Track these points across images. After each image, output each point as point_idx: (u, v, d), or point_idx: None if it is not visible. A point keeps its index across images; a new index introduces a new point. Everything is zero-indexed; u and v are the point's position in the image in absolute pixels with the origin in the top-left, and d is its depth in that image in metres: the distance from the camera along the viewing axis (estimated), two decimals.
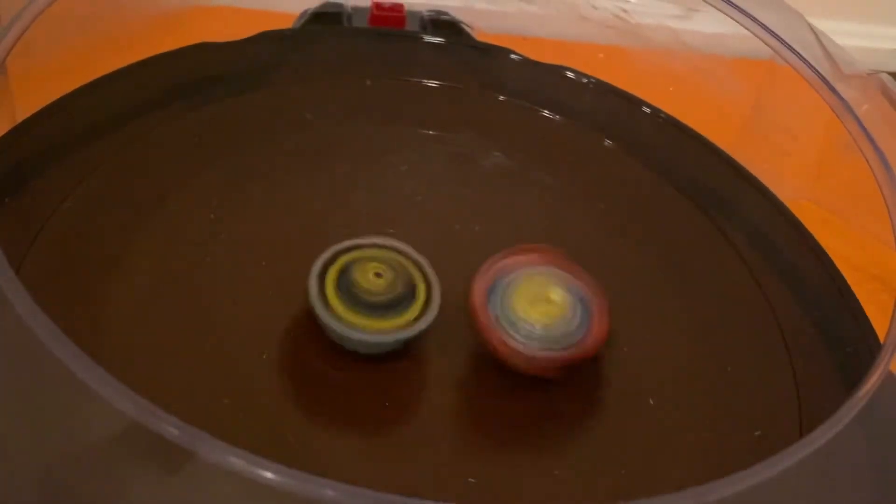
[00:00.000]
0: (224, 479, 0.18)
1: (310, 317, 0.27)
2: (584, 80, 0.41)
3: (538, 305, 0.27)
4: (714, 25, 0.38)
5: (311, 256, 0.31)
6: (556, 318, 0.27)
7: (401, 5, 0.43)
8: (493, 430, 0.27)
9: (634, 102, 0.40)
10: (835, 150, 0.39)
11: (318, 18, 0.42)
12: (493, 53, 0.42)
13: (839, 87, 0.33)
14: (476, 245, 0.33)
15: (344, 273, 0.27)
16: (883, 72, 0.33)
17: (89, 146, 0.33)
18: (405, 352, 0.27)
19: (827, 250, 0.34)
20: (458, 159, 0.37)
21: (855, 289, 0.32)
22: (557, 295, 0.27)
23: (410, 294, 0.27)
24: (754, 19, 0.35)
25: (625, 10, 0.44)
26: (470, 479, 0.25)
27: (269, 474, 0.17)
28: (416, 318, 0.27)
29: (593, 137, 0.39)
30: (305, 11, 0.43)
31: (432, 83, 0.40)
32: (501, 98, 0.40)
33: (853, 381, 0.25)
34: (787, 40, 0.34)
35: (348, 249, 0.28)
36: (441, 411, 0.27)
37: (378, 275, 0.27)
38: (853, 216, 0.40)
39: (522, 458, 0.26)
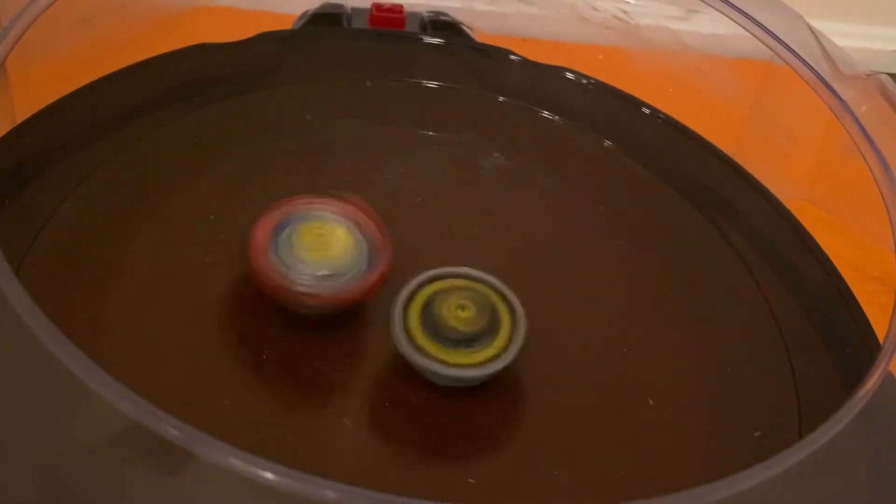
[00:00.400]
0: (224, 480, 0.18)
1: (310, 316, 0.27)
2: (584, 81, 0.41)
3: (319, 248, 0.27)
4: (713, 26, 0.38)
5: None
6: (333, 258, 0.27)
7: (401, 6, 0.43)
8: (493, 430, 0.27)
9: (634, 103, 0.40)
10: (834, 151, 0.39)
11: (317, 19, 0.42)
12: (492, 54, 0.42)
13: (838, 87, 0.33)
14: (475, 246, 0.33)
15: (428, 306, 0.27)
16: (882, 73, 0.33)
17: (89, 146, 0.33)
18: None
19: (826, 251, 0.34)
20: (458, 160, 0.37)
21: (854, 289, 0.32)
22: (338, 236, 0.28)
23: (495, 326, 0.27)
24: (754, 20, 0.35)
25: (624, 11, 0.44)
26: (470, 480, 0.25)
27: (268, 475, 0.17)
28: (504, 350, 0.26)
29: (593, 138, 0.39)
30: (305, 12, 0.43)
31: (432, 84, 0.40)
32: (501, 99, 0.40)
33: (853, 382, 0.25)
34: (786, 41, 0.34)
35: (431, 280, 0.28)
36: (441, 411, 0.27)
37: (462, 307, 0.26)
38: (853, 217, 0.40)
39: (522, 458, 0.26)
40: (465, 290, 0.27)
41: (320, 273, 0.27)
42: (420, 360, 0.26)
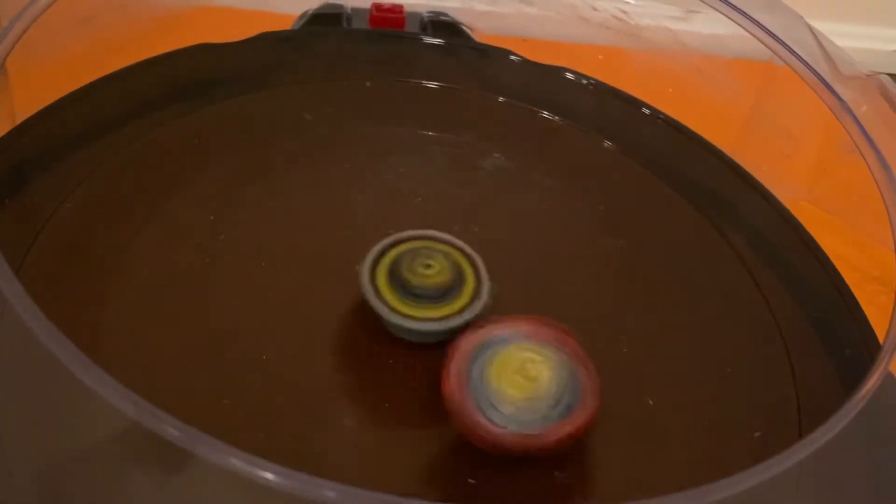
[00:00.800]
0: (224, 480, 0.18)
1: (310, 318, 0.27)
2: (584, 82, 0.41)
3: (517, 381, 0.24)
4: (713, 27, 0.38)
5: (310, 257, 0.31)
6: (534, 398, 0.24)
7: (400, 6, 0.43)
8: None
9: (634, 103, 0.40)
10: (834, 152, 0.39)
11: (317, 19, 0.42)
12: (492, 55, 0.42)
13: (838, 88, 0.33)
14: (475, 246, 0.32)
15: (395, 265, 0.28)
16: (882, 73, 0.33)
17: (89, 146, 0.33)
18: (407, 353, 0.27)
19: (826, 251, 0.34)
20: (458, 160, 0.37)
21: (854, 290, 0.32)
22: (540, 372, 0.24)
23: (459, 283, 0.28)
24: (753, 21, 0.35)
25: (624, 12, 0.44)
26: (470, 480, 0.25)
27: (268, 475, 0.17)
28: (465, 307, 0.27)
29: (593, 138, 0.39)
30: (305, 12, 0.43)
31: (432, 84, 0.40)
32: (501, 99, 0.40)
33: (852, 383, 0.25)
34: (786, 41, 0.34)
35: (397, 243, 0.29)
36: (441, 412, 0.27)
37: (428, 265, 0.27)
38: (852, 217, 0.40)
39: (522, 458, 0.26)
40: (429, 250, 0.28)
41: (522, 415, 0.24)
42: (389, 315, 0.27)
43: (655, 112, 0.40)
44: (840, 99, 0.32)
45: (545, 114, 0.40)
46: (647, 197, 0.36)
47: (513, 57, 0.42)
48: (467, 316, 0.27)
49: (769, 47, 0.35)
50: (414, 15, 0.43)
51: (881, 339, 0.25)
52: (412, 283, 0.27)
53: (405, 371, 0.27)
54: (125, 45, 0.40)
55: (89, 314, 0.27)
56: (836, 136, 0.33)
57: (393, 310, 0.27)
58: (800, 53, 0.34)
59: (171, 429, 0.18)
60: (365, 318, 0.28)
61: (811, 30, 0.35)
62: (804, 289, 0.33)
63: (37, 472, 0.22)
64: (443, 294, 0.27)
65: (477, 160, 0.37)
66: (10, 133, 0.32)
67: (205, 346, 0.27)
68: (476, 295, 0.28)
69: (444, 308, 0.27)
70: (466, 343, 0.25)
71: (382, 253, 0.28)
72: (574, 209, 0.35)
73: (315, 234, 0.32)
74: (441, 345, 0.26)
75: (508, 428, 0.24)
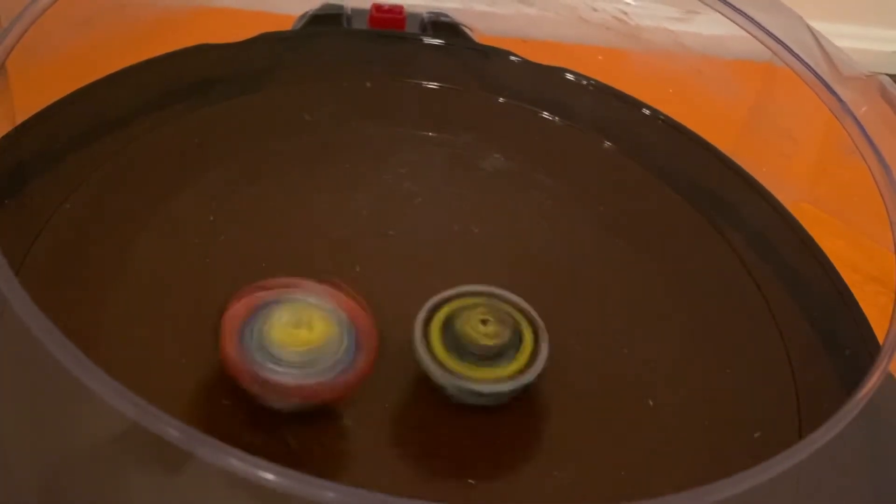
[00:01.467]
0: (224, 481, 0.18)
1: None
2: (584, 82, 0.41)
3: (298, 333, 0.24)
4: (713, 28, 0.38)
5: (311, 257, 0.31)
6: (315, 347, 0.24)
7: (400, 7, 0.43)
8: (493, 430, 0.27)
9: (634, 104, 0.40)
10: (834, 153, 0.39)
11: (317, 20, 0.42)
12: (492, 55, 0.42)
13: (838, 89, 0.33)
14: (475, 247, 0.33)
15: (449, 322, 0.26)
16: (882, 74, 0.33)
17: (89, 147, 0.33)
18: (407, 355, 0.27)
19: (826, 252, 0.34)
20: (458, 161, 0.37)
21: (854, 291, 0.32)
22: (319, 322, 0.25)
23: (517, 342, 0.27)
24: (753, 21, 0.35)
25: (624, 13, 0.44)
26: (470, 480, 0.25)
27: (269, 476, 0.17)
28: (526, 367, 0.26)
29: (593, 139, 0.39)
30: (305, 13, 0.43)
31: (432, 85, 0.40)
32: (501, 100, 0.40)
33: (852, 383, 0.25)
34: (786, 42, 0.34)
35: (450, 299, 0.27)
36: (441, 412, 0.27)
37: (484, 322, 0.26)
38: (852, 218, 0.40)
39: (522, 458, 0.26)
40: (485, 307, 0.27)
41: (298, 360, 0.24)
42: (447, 378, 0.26)
43: (655, 113, 0.40)
44: (840, 100, 0.32)
45: (545, 114, 0.40)
46: (647, 197, 0.36)
47: (513, 57, 0.42)
48: (527, 379, 0.26)
49: (769, 48, 0.35)
50: (414, 15, 0.43)
51: (881, 340, 0.25)
52: (468, 342, 0.26)
53: (405, 372, 0.27)
54: (125, 45, 0.40)
55: (89, 314, 0.27)
56: (836, 137, 0.33)
57: (448, 370, 0.26)
58: (800, 54, 0.34)
59: (171, 429, 0.18)
60: None
61: (811, 30, 0.35)
62: (804, 289, 0.33)
63: (37, 472, 0.22)
64: (498, 354, 0.26)
65: (477, 160, 0.37)
66: (10, 133, 0.32)
67: (205, 346, 0.27)
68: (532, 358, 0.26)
69: (502, 370, 0.26)
70: (239, 308, 0.25)
71: (436, 308, 0.27)
72: (574, 210, 0.35)
73: (315, 235, 0.32)
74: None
75: (289, 376, 0.24)
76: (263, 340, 0.24)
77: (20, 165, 0.32)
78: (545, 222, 0.35)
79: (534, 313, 0.27)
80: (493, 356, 0.26)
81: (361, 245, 0.32)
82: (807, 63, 0.34)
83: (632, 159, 0.38)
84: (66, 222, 0.30)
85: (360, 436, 0.26)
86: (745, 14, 0.35)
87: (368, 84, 0.39)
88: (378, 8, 0.42)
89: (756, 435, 0.27)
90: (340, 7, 0.43)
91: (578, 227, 0.35)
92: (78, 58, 0.39)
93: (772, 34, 0.35)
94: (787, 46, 0.34)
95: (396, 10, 0.42)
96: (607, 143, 0.39)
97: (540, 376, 0.26)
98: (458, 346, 0.26)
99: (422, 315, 0.27)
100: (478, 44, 0.43)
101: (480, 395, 0.26)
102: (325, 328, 0.25)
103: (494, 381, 0.26)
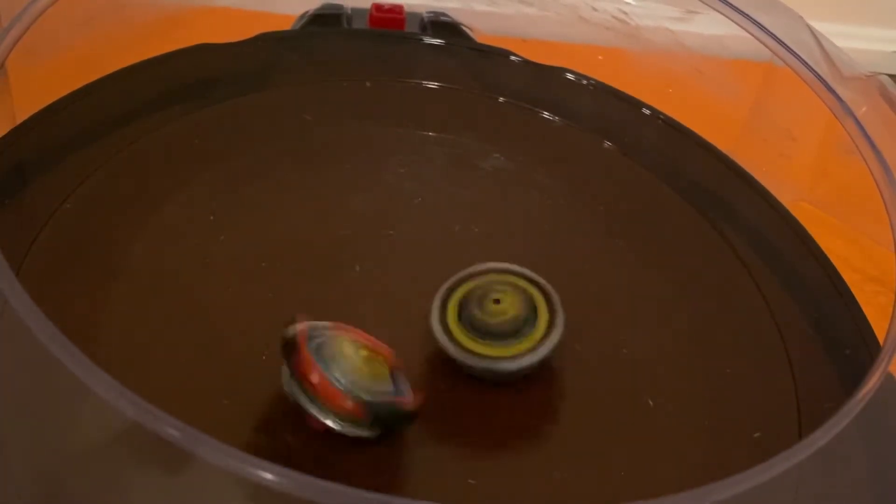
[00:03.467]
0: (224, 481, 0.18)
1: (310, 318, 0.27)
2: (584, 82, 0.41)
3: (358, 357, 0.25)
4: (713, 27, 0.38)
5: (311, 257, 0.31)
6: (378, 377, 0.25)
7: (400, 7, 0.43)
8: (492, 430, 0.27)
9: (634, 104, 0.40)
10: (834, 152, 0.39)
11: (317, 20, 0.42)
12: (492, 55, 0.42)
13: (838, 88, 0.33)
14: (475, 247, 0.33)
15: (464, 303, 0.27)
16: (882, 73, 0.33)
17: (89, 146, 0.33)
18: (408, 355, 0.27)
19: (826, 252, 0.34)
20: (458, 161, 0.37)
21: (854, 290, 0.32)
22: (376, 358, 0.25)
23: (532, 317, 0.27)
24: (754, 21, 0.35)
25: (624, 13, 0.44)
26: (470, 480, 0.25)
27: (268, 476, 0.17)
28: (541, 340, 0.27)
29: (593, 139, 0.39)
30: (305, 13, 0.43)
31: (432, 85, 0.40)
32: (501, 100, 0.40)
33: (852, 383, 0.25)
34: (786, 42, 0.34)
35: (464, 279, 0.28)
36: (440, 412, 0.27)
37: (497, 301, 0.27)
38: (852, 218, 0.40)
39: (522, 458, 0.26)
40: (500, 284, 0.27)
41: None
42: (463, 355, 0.26)
43: (655, 112, 0.40)
44: (840, 99, 0.32)
45: (545, 114, 0.40)
46: (646, 197, 0.36)
47: (513, 57, 0.42)
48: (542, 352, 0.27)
49: (769, 48, 0.35)
50: (414, 15, 0.43)
51: (881, 340, 0.25)
52: (481, 322, 0.27)
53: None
54: (125, 45, 0.40)
55: (89, 314, 0.27)
56: (836, 137, 0.33)
57: (467, 350, 0.27)
58: (800, 54, 0.34)
59: (171, 429, 0.18)
60: None
61: (811, 30, 0.35)
62: (804, 289, 0.33)
63: (37, 472, 0.22)
64: (515, 331, 0.27)
65: (477, 160, 0.37)
66: (10, 133, 0.33)
67: (205, 346, 0.27)
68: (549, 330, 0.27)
69: (513, 348, 0.27)
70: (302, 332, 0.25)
71: (451, 290, 0.28)
72: (574, 209, 0.35)
73: (315, 235, 0.32)
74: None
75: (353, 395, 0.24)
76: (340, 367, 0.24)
77: (20, 165, 0.32)
78: (545, 222, 0.35)
79: (549, 287, 0.28)
80: (507, 334, 0.27)
81: (361, 245, 0.32)
82: (807, 63, 0.34)
83: (632, 159, 0.38)
84: (66, 222, 0.30)
85: (360, 436, 0.26)
86: (745, 14, 0.35)
87: (368, 84, 0.39)
88: (378, 8, 0.42)
89: (756, 435, 0.27)
90: (340, 7, 0.43)
91: (578, 227, 0.35)
92: (78, 58, 0.39)
93: (772, 34, 0.35)
94: (787, 46, 0.34)
95: (396, 10, 0.42)
96: (607, 143, 0.39)
97: (556, 348, 0.27)
98: (474, 327, 0.27)
99: (437, 302, 0.28)
100: (478, 43, 0.43)
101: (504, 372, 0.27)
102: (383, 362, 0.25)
103: (512, 357, 0.27)
